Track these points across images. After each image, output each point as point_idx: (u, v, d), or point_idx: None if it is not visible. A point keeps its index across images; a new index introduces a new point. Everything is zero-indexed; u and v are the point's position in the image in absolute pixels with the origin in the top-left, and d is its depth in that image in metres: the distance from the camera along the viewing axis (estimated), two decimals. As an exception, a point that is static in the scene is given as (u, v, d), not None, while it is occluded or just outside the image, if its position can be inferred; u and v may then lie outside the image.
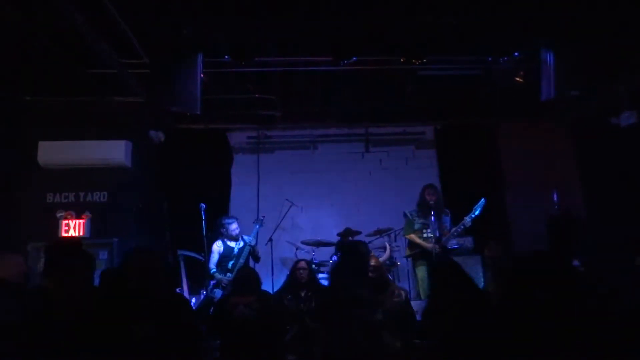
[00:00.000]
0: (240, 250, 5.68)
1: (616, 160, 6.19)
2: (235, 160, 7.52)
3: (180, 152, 7.07)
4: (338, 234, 6.51)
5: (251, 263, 5.86)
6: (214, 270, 5.60)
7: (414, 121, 7.50)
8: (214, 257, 5.64)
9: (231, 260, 5.63)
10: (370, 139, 7.63)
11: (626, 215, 5.90)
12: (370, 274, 4.59)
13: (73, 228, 5.80)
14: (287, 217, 6.75)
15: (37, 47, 4.97)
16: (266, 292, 5.02)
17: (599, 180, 6.54)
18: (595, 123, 6.52)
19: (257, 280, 4.58)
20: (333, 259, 6.41)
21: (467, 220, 5.29)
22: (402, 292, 4.63)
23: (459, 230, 5.36)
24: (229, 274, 5.56)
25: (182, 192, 6.88)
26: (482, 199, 5.32)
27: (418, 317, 4.86)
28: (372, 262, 4.71)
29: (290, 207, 6.74)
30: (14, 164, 5.89)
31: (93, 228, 5.88)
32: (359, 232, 6.51)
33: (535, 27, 4.94)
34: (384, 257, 5.76)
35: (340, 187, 7.43)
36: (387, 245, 6.16)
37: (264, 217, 6.09)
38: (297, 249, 6.52)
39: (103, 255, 5.76)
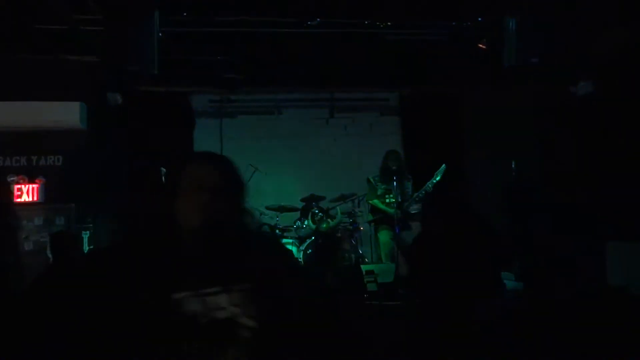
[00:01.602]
0: None
1: (573, 129, 6.37)
2: (198, 124, 7.37)
3: (141, 115, 6.84)
4: (302, 199, 6.52)
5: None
6: None
7: (378, 87, 7.49)
8: None
9: None
10: (336, 105, 7.60)
11: (580, 185, 6.13)
12: (319, 240, 4.64)
13: (26, 193, 5.58)
14: (250, 183, 6.68)
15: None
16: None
17: (556, 149, 6.73)
18: (554, 92, 6.66)
19: None
20: (297, 224, 6.45)
21: (429, 185, 5.38)
22: (352, 257, 4.76)
23: (420, 195, 5.46)
24: None
25: (143, 156, 6.70)
26: (443, 165, 5.41)
27: (380, 280, 5.01)
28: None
29: (254, 172, 6.68)
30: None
31: (48, 193, 5.67)
32: (323, 198, 6.54)
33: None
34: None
35: (304, 152, 7.41)
36: (339, 212, 6.23)
37: None
38: (261, 214, 6.50)
39: (60, 220, 5.60)
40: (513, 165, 6.87)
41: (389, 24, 5.17)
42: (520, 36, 5.01)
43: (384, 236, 5.61)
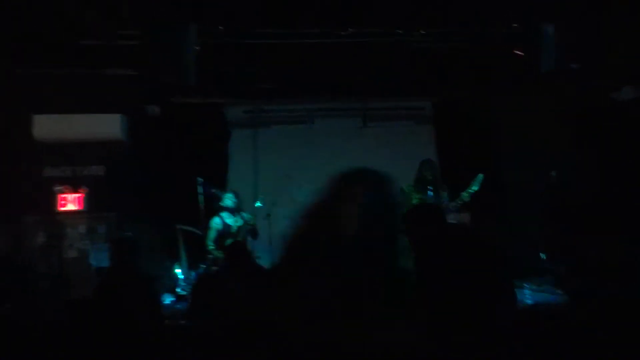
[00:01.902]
0: (239, 227, 5.67)
1: (615, 136, 6.16)
2: (233, 134, 7.48)
3: (177, 127, 7.02)
4: (335, 209, 6.51)
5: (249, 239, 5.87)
6: (212, 247, 5.60)
7: (411, 95, 7.43)
8: (212, 234, 5.63)
9: (230, 237, 5.62)
10: (368, 114, 7.57)
11: (622, 192, 5.91)
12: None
13: (71, 202, 5.79)
14: (285, 192, 6.73)
15: (29, 17, 4.87)
16: (259, 268, 5.05)
17: (597, 156, 6.51)
18: (595, 98, 6.46)
19: (249, 255, 4.61)
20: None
21: (465, 195, 5.29)
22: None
23: (456, 205, 5.36)
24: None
25: (179, 166, 6.86)
26: (480, 175, 5.31)
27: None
28: None
29: (288, 182, 6.72)
30: (10, 138, 5.84)
31: (90, 202, 5.87)
32: (356, 207, 6.51)
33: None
34: None
35: (338, 162, 7.39)
36: None
37: (263, 197, 6.00)
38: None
39: (101, 229, 5.78)
40: (554, 174, 6.69)
41: (422, 31, 5.12)
42: (559, 41, 4.89)
43: (418, 246, 5.52)
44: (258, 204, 5.81)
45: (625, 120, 6.04)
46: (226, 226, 5.63)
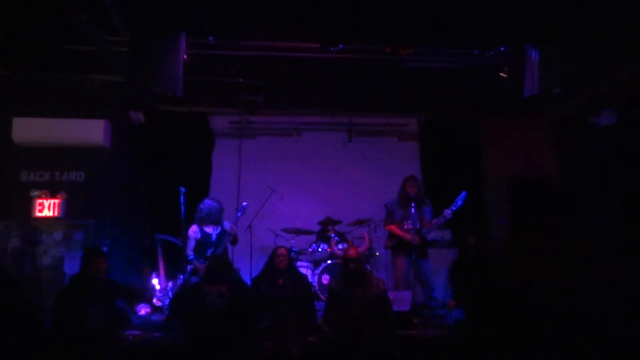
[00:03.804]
0: (219, 236, 5.57)
1: (595, 159, 6.29)
2: (217, 144, 7.45)
3: (161, 135, 6.96)
4: (318, 223, 6.50)
5: (228, 246, 5.78)
6: (192, 256, 5.48)
7: (398, 112, 7.51)
8: (191, 243, 5.50)
9: (210, 247, 5.51)
10: (354, 129, 7.62)
11: (603, 215, 6.01)
12: (351, 266, 4.62)
13: (47, 208, 5.65)
14: (267, 204, 6.70)
15: (14, 18, 4.79)
16: (239, 281, 4.99)
17: (578, 178, 6.64)
18: (576, 121, 6.60)
19: (229, 270, 4.55)
20: (312, 247, 6.41)
21: (448, 212, 5.31)
22: (380, 283, 4.68)
23: (440, 222, 5.39)
24: (207, 262, 5.46)
25: (162, 175, 6.79)
26: (463, 192, 5.34)
27: (395, 308, 4.93)
28: (352, 253, 4.74)
29: (271, 194, 6.70)
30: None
31: (68, 208, 5.74)
32: (339, 222, 6.51)
33: (521, 23, 4.97)
34: (362, 247, 5.77)
35: (322, 175, 7.42)
36: (366, 236, 6.16)
37: (246, 204, 5.95)
38: (276, 236, 6.49)
39: (78, 236, 5.64)
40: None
41: (410, 51, 5.18)
42: (542, 66, 5.00)
43: (400, 263, 5.53)
44: (239, 214, 5.73)
45: (604, 144, 6.17)
46: (206, 235, 5.52)
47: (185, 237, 5.54)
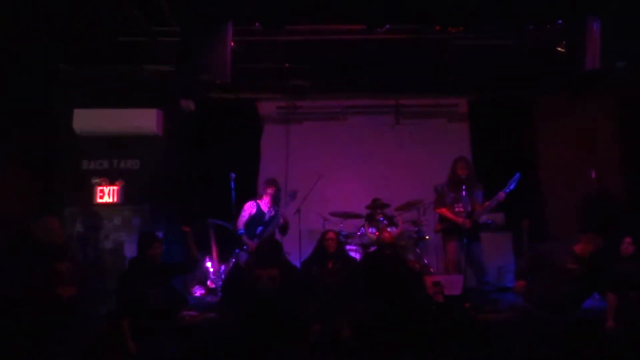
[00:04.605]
0: (271, 218, 5.68)
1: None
2: (265, 130, 7.54)
3: (211, 122, 7.14)
4: (366, 207, 6.47)
5: (278, 236, 5.88)
6: (242, 231, 5.61)
7: (447, 93, 7.31)
8: (244, 217, 5.63)
9: (260, 225, 5.63)
10: (401, 111, 7.48)
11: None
12: (386, 251, 4.61)
13: (107, 194, 5.93)
14: (315, 189, 6.72)
15: (73, 15, 4.99)
16: (290, 264, 5.07)
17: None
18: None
19: (280, 253, 4.63)
20: (361, 230, 6.41)
21: (501, 195, 5.15)
22: (416, 267, 4.65)
23: (492, 205, 5.24)
24: (255, 240, 5.57)
25: (213, 161, 6.96)
26: (517, 173, 5.16)
27: (446, 292, 4.86)
28: (386, 237, 4.72)
29: (319, 178, 6.71)
30: (51, 131, 6.02)
31: (126, 195, 6.00)
32: (388, 205, 6.46)
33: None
34: (395, 232, 5.71)
35: (369, 159, 7.36)
36: (400, 221, 6.09)
37: (296, 191, 5.99)
38: (325, 220, 6.52)
39: (136, 221, 5.89)
40: (593, 175, 6.45)
41: (460, 29, 4.99)
42: (604, 38, 4.69)
43: (451, 247, 5.43)
44: (290, 199, 5.79)
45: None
46: (260, 212, 5.62)
47: (237, 220, 5.67)
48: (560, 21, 5.08)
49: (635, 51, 4.88)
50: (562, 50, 5.31)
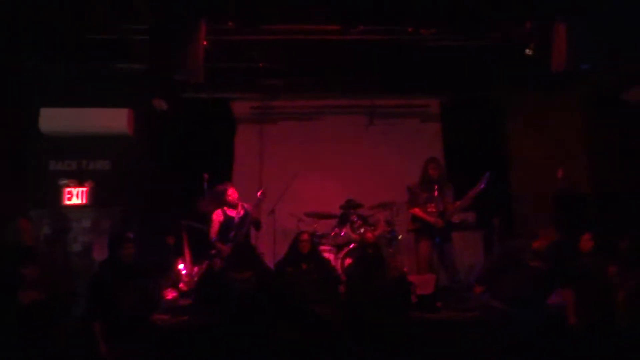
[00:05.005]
0: (242, 219, 5.62)
1: (624, 136, 6.10)
2: (239, 130, 7.48)
3: (184, 121, 7.03)
4: (340, 207, 6.49)
5: (252, 231, 5.84)
6: (215, 239, 5.55)
7: (420, 94, 7.40)
8: (215, 227, 5.58)
9: (232, 229, 5.56)
10: (375, 111, 7.55)
11: (631, 193, 5.85)
12: (369, 250, 4.66)
13: (76, 196, 5.79)
14: (289, 189, 6.70)
15: (38, 9, 4.86)
16: (264, 266, 5.05)
17: (606, 157, 6.45)
18: (605, 98, 6.39)
19: (253, 255, 4.60)
20: (335, 231, 6.42)
21: (472, 193, 5.24)
22: (399, 266, 4.71)
23: (464, 204, 5.33)
24: (229, 244, 5.52)
25: (185, 161, 6.87)
26: (487, 172, 5.25)
27: (418, 292, 4.93)
28: (369, 237, 4.76)
29: (293, 178, 6.70)
30: (17, 131, 5.85)
31: (96, 196, 5.87)
32: (361, 205, 6.49)
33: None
34: (377, 232, 5.76)
35: (343, 159, 7.39)
36: (381, 221, 6.16)
37: (264, 189, 5.93)
38: (299, 220, 6.51)
39: (105, 223, 5.77)
40: (559, 174, 6.63)
41: (432, 30, 5.07)
42: (570, 41, 4.82)
43: (423, 246, 5.49)
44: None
45: (634, 121, 5.97)
46: (228, 219, 5.57)
47: (210, 223, 5.60)
48: (528, 24, 5.20)
49: (599, 54, 5.04)
50: (530, 52, 5.43)
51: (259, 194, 5.60)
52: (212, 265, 5.46)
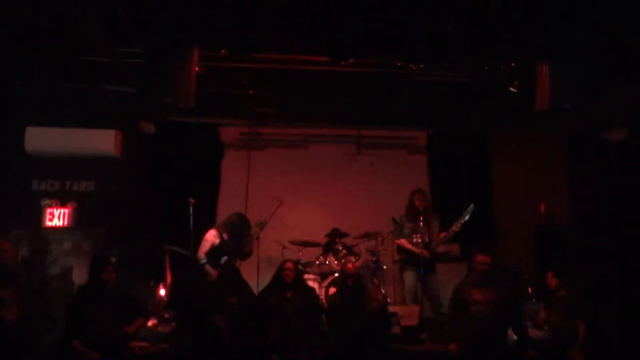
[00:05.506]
0: (236, 246, 5.47)
1: (605, 174, 6.24)
2: (226, 155, 7.49)
3: (171, 145, 7.01)
4: (325, 235, 6.48)
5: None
6: (205, 261, 5.36)
7: (407, 126, 7.51)
8: (206, 246, 5.39)
9: (224, 255, 5.40)
10: (363, 142, 7.64)
11: (611, 229, 5.95)
12: (349, 281, 4.65)
13: (57, 217, 5.67)
14: (275, 216, 6.67)
15: (29, 29, 4.86)
16: (249, 293, 4.97)
17: (587, 193, 6.59)
18: (587, 136, 6.57)
19: (239, 281, 4.55)
20: (319, 260, 6.39)
21: (457, 225, 5.29)
22: (380, 297, 4.70)
23: (448, 236, 5.36)
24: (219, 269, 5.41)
25: (171, 185, 6.81)
26: (471, 205, 5.32)
27: (403, 323, 4.90)
28: (349, 268, 4.77)
29: (279, 205, 6.67)
30: (1, 149, 5.76)
31: (78, 218, 5.76)
32: (346, 235, 6.49)
33: (532, 38, 4.98)
34: (358, 263, 5.76)
35: (330, 188, 7.42)
36: (363, 251, 6.16)
37: (266, 221, 5.89)
38: (283, 248, 6.47)
39: (87, 245, 5.63)
40: (542, 209, 6.74)
41: (420, 65, 5.20)
42: (553, 81, 4.98)
43: (408, 277, 5.50)
44: (258, 229, 5.70)
45: (614, 160, 6.13)
46: (224, 242, 5.41)
47: (195, 247, 5.49)
48: (513, 63, 5.37)
49: (581, 95, 5.20)
50: (514, 90, 5.58)
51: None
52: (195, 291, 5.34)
